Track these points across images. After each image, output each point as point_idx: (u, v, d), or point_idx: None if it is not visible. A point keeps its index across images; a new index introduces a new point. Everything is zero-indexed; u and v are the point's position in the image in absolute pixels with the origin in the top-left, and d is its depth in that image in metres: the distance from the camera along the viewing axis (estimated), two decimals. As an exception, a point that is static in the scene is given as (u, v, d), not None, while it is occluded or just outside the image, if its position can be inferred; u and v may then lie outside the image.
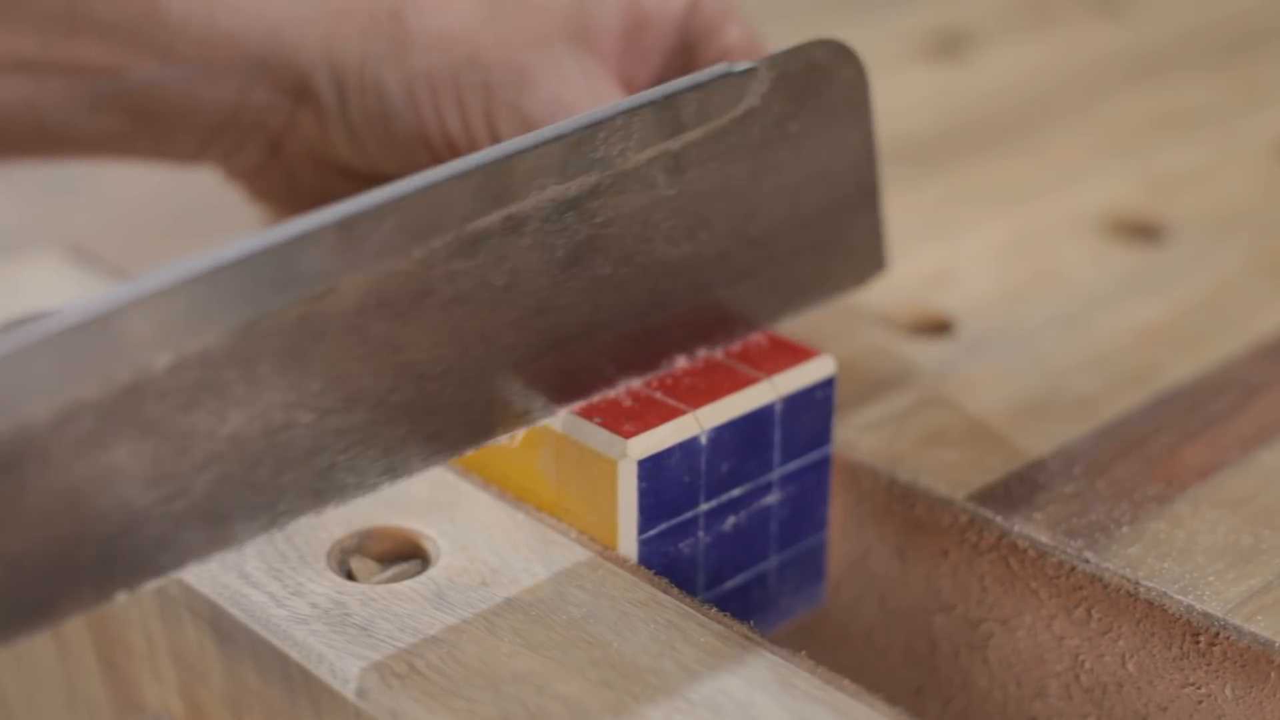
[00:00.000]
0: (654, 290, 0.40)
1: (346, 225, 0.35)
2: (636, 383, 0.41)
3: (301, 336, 0.35)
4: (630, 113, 0.39)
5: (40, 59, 0.45)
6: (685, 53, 0.46)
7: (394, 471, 0.37)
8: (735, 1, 0.46)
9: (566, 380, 0.39)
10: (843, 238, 0.45)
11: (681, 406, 0.40)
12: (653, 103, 0.39)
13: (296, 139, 0.47)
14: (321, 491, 0.36)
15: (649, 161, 0.39)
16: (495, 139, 0.43)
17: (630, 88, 0.46)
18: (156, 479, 0.33)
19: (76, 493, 0.33)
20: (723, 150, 0.40)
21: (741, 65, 0.40)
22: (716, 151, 0.40)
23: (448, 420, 0.38)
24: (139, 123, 0.47)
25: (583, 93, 0.43)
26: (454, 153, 0.44)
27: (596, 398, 0.40)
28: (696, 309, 0.41)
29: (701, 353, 0.42)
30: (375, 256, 0.35)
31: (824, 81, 0.42)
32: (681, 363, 0.42)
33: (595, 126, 0.38)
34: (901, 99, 0.68)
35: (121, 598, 0.34)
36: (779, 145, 0.42)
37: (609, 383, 0.40)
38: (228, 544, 0.35)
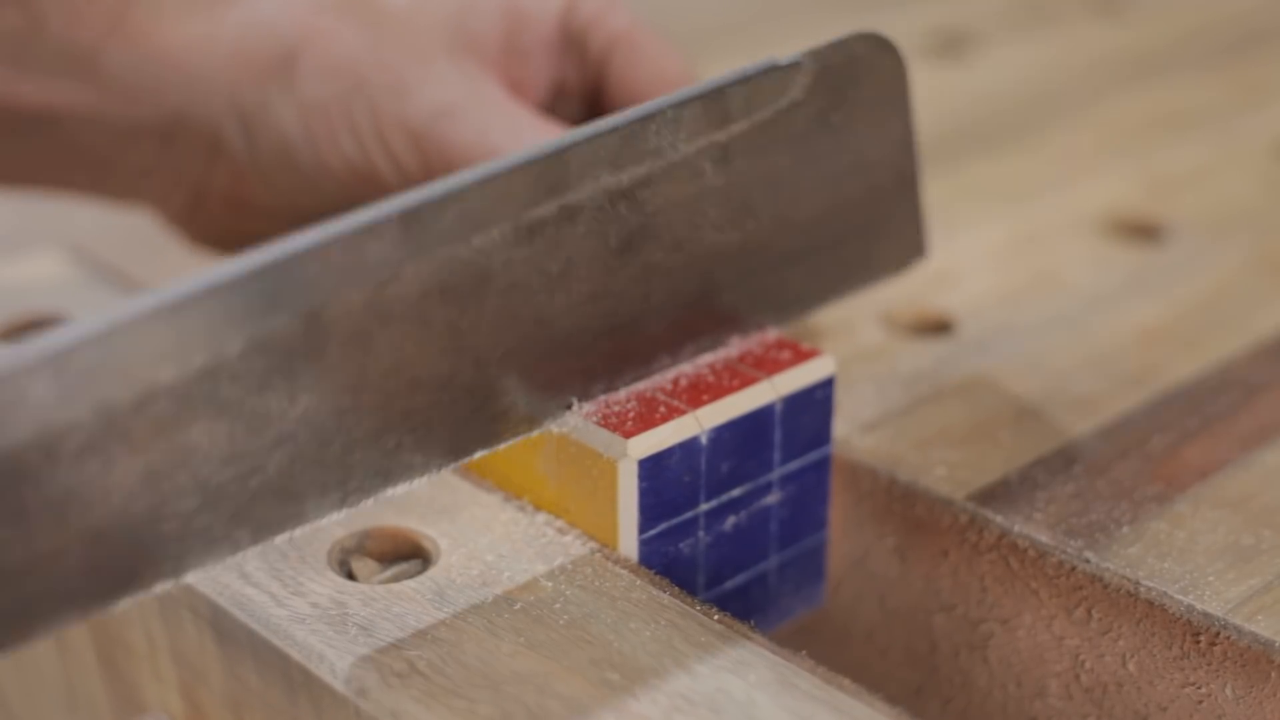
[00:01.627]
0: (704, 277, 0.41)
1: (409, 215, 0.36)
2: (686, 367, 0.41)
3: (367, 322, 0.36)
4: (680, 105, 0.40)
5: None
6: (571, 47, 0.48)
7: (457, 453, 0.38)
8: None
9: (619, 365, 0.40)
10: (884, 225, 0.46)
11: (682, 406, 0.40)
12: (701, 95, 0.40)
13: (215, 190, 0.48)
14: (390, 471, 0.37)
15: (698, 151, 0.40)
16: (390, 158, 0.45)
17: (517, 87, 0.47)
18: (231, 457, 0.35)
19: (156, 471, 0.34)
20: (768, 141, 0.41)
21: (787, 59, 0.41)
22: (762, 142, 0.41)
23: (508, 403, 0.39)
24: (74, 168, 0.49)
25: (464, 95, 0.45)
26: (357, 178, 0.46)
27: (648, 382, 0.41)
28: (744, 295, 0.42)
29: (750, 337, 0.43)
30: (437, 245, 0.36)
31: (865, 74, 0.43)
32: (734, 345, 0.42)
33: (646, 119, 0.39)
34: (901, 99, 0.68)
35: (198, 573, 0.35)
36: (822, 136, 0.43)
37: (660, 368, 0.41)
38: (301, 520, 0.36)
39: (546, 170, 0.38)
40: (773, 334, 0.43)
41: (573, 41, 0.48)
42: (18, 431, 0.32)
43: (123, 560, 0.34)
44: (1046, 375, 0.48)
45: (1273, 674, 0.38)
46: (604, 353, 0.40)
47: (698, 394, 0.40)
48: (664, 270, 0.40)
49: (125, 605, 0.34)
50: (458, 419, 0.38)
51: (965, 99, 0.70)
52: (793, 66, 0.41)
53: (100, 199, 0.51)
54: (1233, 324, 0.51)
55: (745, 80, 0.41)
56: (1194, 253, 0.56)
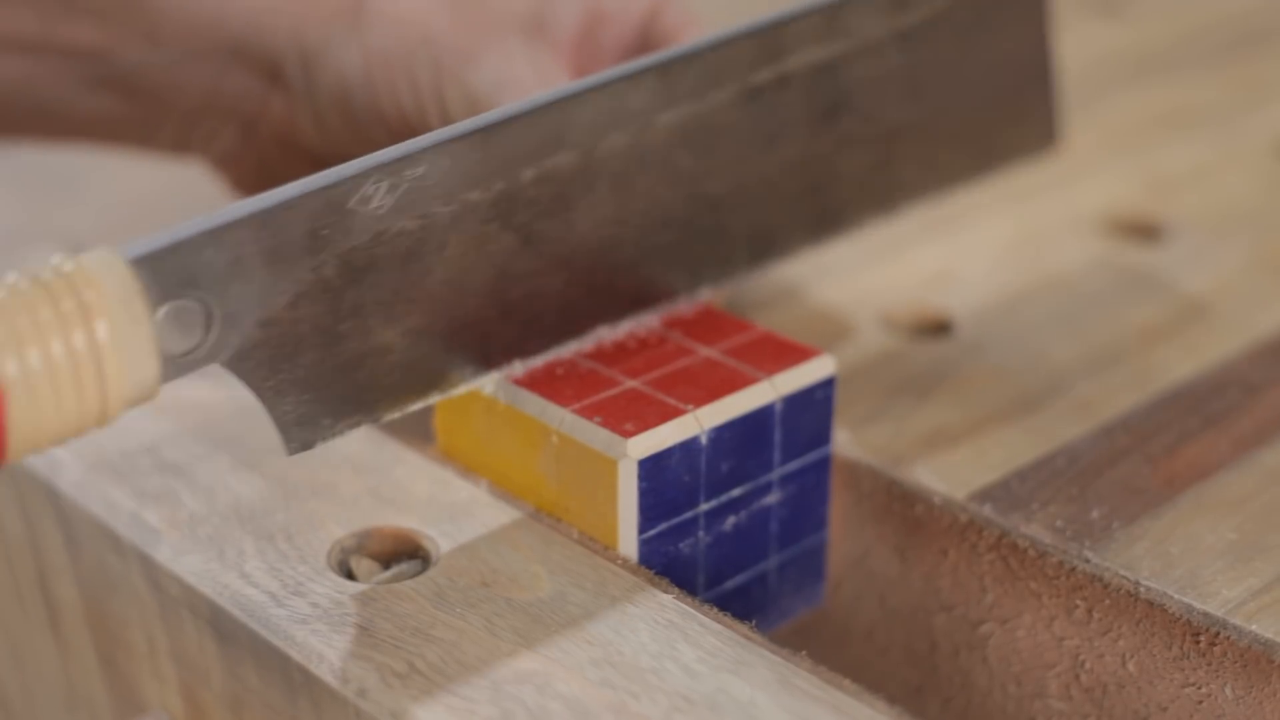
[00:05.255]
0: (885, 148, 0.48)
1: (663, 68, 0.42)
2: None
3: (629, 163, 0.42)
4: None
5: (39, 39, 0.49)
6: (645, 53, 0.48)
7: (695, 285, 0.44)
8: (699, 14, 0.50)
9: (824, 220, 0.47)
10: (1025, 114, 0.52)
11: (682, 406, 0.40)
12: None
13: (268, 123, 0.50)
14: (647, 298, 0.43)
15: (884, 35, 0.46)
16: (444, 115, 0.47)
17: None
18: (522, 275, 0.41)
19: (463, 283, 0.40)
20: (941, 31, 0.48)
21: None
22: (936, 32, 0.48)
23: (736, 247, 0.45)
24: (128, 105, 0.50)
25: (531, 72, 0.46)
26: (408, 129, 0.47)
27: (846, 237, 0.48)
28: (913, 168, 0.49)
29: (918, 207, 0.49)
30: (683, 99, 0.42)
31: None
32: (912, 208, 0.49)
33: (843, 2, 0.45)
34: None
35: (492, 378, 0.41)
36: (981, 30, 0.49)
37: (854, 226, 0.48)
38: (575, 336, 0.42)
39: (767, 40, 0.44)
40: (772, 334, 0.43)
41: (651, 49, 0.48)
42: (359, 235, 0.37)
43: (435, 361, 0.40)
44: (1046, 375, 0.48)
45: (1273, 674, 0.38)
46: (810, 208, 0.46)
47: (698, 393, 0.40)
48: (855, 139, 0.47)
49: (432, 401, 0.40)
50: (698, 257, 0.44)
51: (965, 99, 0.70)
52: None
53: (150, 151, 0.52)
54: (1233, 324, 0.51)
55: None
56: (1194, 253, 0.56)
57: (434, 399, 0.40)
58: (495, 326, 0.40)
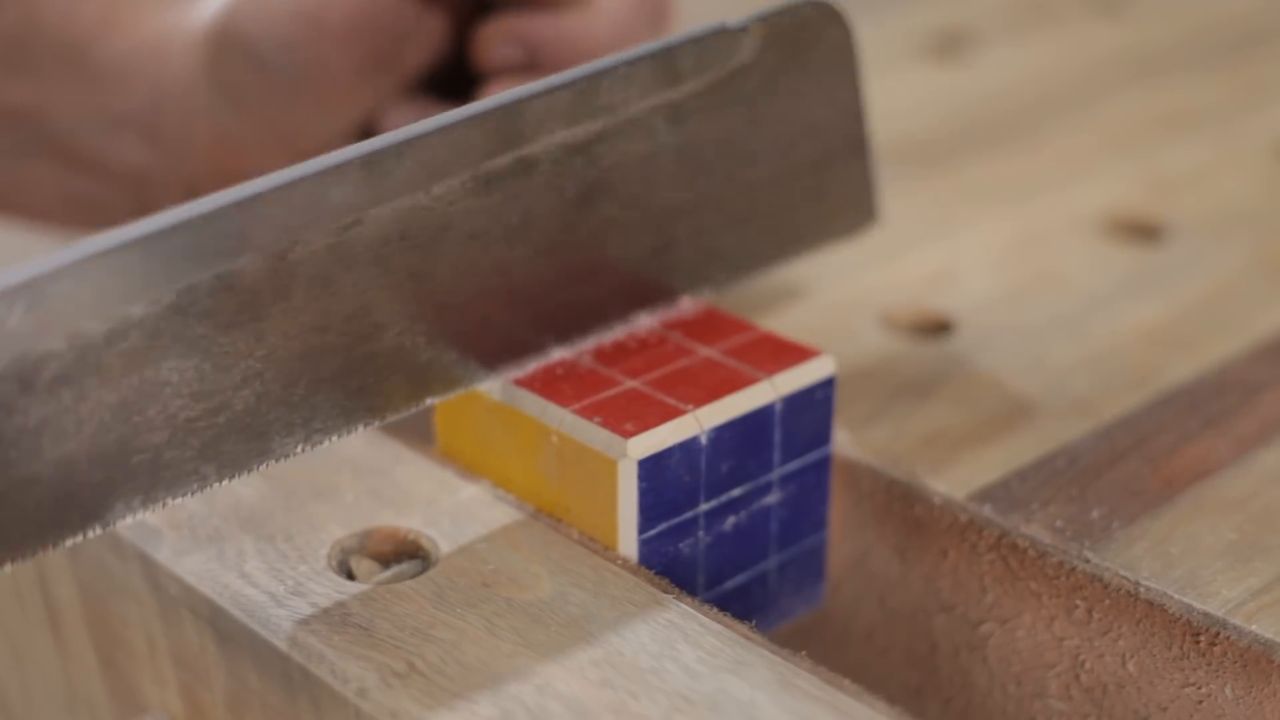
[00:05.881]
0: (658, 233, 0.43)
1: (370, 161, 0.37)
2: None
3: (331, 265, 0.37)
4: (631, 63, 0.41)
5: None
6: None
7: (418, 397, 0.40)
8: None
9: (577, 317, 0.42)
10: (834, 189, 0.47)
11: (681, 406, 0.40)
12: (652, 55, 0.41)
13: (204, 162, 0.49)
14: (353, 412, 0.38)
15: (650, 110, 0.41)
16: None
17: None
18: (200, 394, 0.36)
19: (127, 404, 0.35)
20: (720, 102, 0.43)
21: (735, 22, 0.43)
22: (714, 103, 0.42)
23: (467, 350, 0.40)
24: (68, 173, 0.50)
25: None
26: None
27: (604, 337, 0.42)
28: (697, 254, 0.44)
29: (703, 295, 0.44)
30: (397, 192, 0.38)
31: (814, 39, 0.44)
32: (686, 305, 0.44)
33: (599, 75, 0.40)
34: (901, 99, 0.68)
35: (166, 505, 0.36)
36: (772, 99, 0.44)
37: (615, 322, 0.43)
38: (266, 457, 0.38)
39: (502, 122, 0.39)
40: (772, 334, 0.43)
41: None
42: None
43: (93, 490, 0.35)
44: (1046, 375, 0.49)
45: (1273, 674, 0.38)
46: (560, 304, 0.41)
47: (697, 394, 0.40)
48: (619, 225, 0.42)
49: (93, 535, 0.36)
50: (419, 363, 0.39)
51: (965, 99, 0.70)
52: (742, 29, 0.42)
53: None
54: (1233, 324, 0.51)
55: (695, 41, 0.42)
56: (1194, 253, 0.56)
57: (94, 532, 0.36)
58: (169, 452, 0.36)
